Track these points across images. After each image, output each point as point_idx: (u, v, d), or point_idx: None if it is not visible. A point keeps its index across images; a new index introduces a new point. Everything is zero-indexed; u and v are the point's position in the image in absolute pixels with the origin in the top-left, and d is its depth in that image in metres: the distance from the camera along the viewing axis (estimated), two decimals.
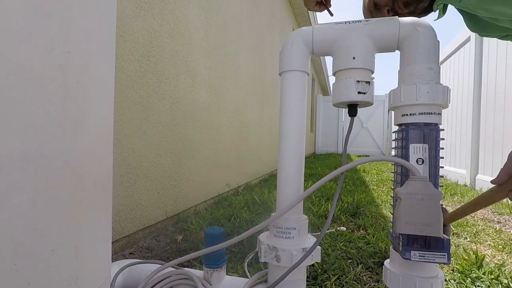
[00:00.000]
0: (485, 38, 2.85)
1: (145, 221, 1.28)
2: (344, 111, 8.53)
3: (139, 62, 1.22)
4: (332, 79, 11.51)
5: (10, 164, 0.32)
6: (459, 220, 1.65)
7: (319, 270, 0.94)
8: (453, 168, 3.55)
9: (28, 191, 0.34)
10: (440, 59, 4.06)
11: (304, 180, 0.64)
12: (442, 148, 0.53)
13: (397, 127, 0.57)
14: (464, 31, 3.27)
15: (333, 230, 1.36)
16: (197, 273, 0.69)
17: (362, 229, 1.42)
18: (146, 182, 1.28)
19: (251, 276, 0.67)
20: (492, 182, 0.47)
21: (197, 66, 1.70)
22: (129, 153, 1.17)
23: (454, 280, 0.92)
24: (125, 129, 1.15)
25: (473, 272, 0.95)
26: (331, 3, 0.71)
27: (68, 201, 0.40)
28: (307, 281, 0.86)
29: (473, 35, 3.00)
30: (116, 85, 1.09)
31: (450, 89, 0.54)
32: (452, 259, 1.07)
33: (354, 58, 0.56)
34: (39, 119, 0.35)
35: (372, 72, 0.59)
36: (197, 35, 1.68)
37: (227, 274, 0.71)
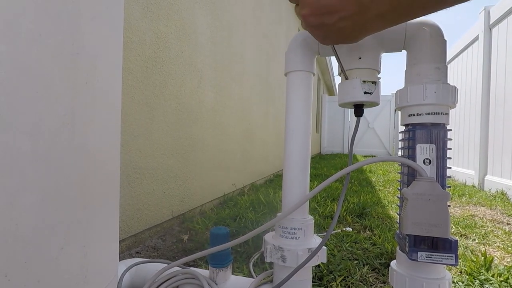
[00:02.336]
0: (494, 36, 2.81)
1: (152, 220, 1.29)
2: (350, 111, 8.48)
3: (146, 63, 1.23)
4: (338, 79, 11.45)
5: (21, 164, 0.33)
6: (468, 222, 1.63)
7: (325, 271, 0.94)
8: (461, 169, 3.51)
9: (38, 190, 0.35)
10: (448, 58, 4.02)
11: (310, 181, 0.64)
12: (450, 149, 0.53)
13: (404, 127, 0.57)
14: (472, 30, 3.23)
15: (339, 230, 1.36)
16: (203, 272, 0.69)
17: (368, 230, 1.41)
18: (153, 182, 1.29)
19: (256, 276, 0.67)
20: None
21: (203, 66, 1.70)
22: (136, 153, 1.18)
23: (462, 282, 0.90)
24: (132, 129, 1.16)
25: (481, 274, 0.94)
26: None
27: (76, 200, 0.40)
28: (313, 281, 0.86)
29: (481, 33, 2.95)
30: (123, 85, 1.10)
31: (457, 89, 0.53)
32: (460, 261, 1.05)
33: (360, 58, 0.56)
34: (49, 119, 0.36)
35: (378, 72, 0.58)
36: (203, 35, 1.69)
37: (232, 274, 0.71)
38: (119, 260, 0.78)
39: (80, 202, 0.41)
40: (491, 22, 2.83)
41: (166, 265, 0.68)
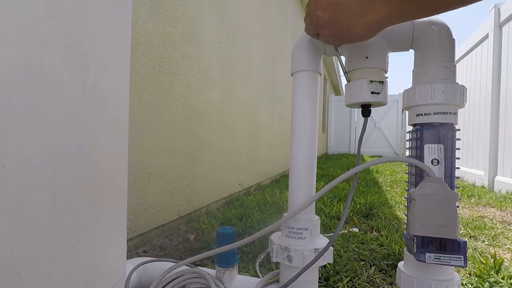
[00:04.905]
0: (504, 34, 2.77)
1: (158, 220, 1.30)
2: (357, 111, 8.42)
3: (153, 63, 1.24)
4: (344, 79, 11.38)
5: (32, 164, 0.33)
6: (477, 223, 1.61)
7: (331, 272, 0.93)
8: (470, 169, 3.46)
9: (49, 190, 0.36)
10: (457, 57, 3.96)
11: (316, 181, 0.63)
12: (458, 149, 0.52)
13: (412, 127, 0.56)
14: (482, 28, 3.18)
15: (346, 231, 1.35)
16: (209, 272, 0.70)
17: (375, 230, 1.40)
18: (159, 181, 1.30)
19: (262, 276, 0.67)
20: None
21: (209, 67, 1.71)
22: (143, 153, 1.19)
23: (471, 284, 0.89)
24: (139, 129, 1.17)
25: (491, 276, 0.93)
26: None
27: (85, 200, 0.41)
28: (319, 282, 0.85)
29: (491, 32, 2.91)
30: (130, 86, 1.11)
31: (466, 88, 0.52)
32: (469, 262, 1.04)
33: (367, 58, 0.56)
34: (59, 120, 0.36)
35: (386, 71, 0.58)
36: (209, 36, 1.69)
37: (238, 273, 0.71)
38: (127, 259, 0.78)
39: (89, 201, 0.42)
40: (501, 20, 2.78)
41: (173, 264, 0.69)
